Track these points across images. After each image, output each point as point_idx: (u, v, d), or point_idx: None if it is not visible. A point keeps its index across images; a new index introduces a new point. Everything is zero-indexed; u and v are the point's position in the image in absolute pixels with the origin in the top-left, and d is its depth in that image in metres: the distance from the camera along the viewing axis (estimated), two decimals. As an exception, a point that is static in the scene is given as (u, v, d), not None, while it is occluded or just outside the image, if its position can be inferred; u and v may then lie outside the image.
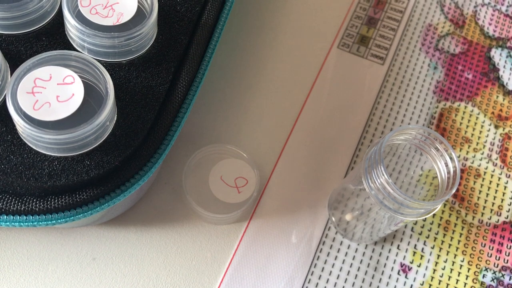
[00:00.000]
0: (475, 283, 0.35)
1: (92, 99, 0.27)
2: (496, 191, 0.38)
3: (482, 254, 0.36)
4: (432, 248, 0.36)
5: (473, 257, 0.36)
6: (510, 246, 0.36)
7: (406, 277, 0.35)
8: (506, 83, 0.43)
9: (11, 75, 0.27)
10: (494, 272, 0.35)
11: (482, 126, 0.40)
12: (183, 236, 0.34)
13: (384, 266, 0.35)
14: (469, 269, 0.35)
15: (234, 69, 0.40)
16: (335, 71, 0.41)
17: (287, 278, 0.34)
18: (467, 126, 0.40)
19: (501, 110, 0.41)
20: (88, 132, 0.25)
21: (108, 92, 0.26)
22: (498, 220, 0.37)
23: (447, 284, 0.35)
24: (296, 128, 0.39)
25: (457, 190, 0.38)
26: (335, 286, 0.34)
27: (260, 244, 0.34)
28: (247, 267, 0.34)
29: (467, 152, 0.39)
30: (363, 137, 0.39)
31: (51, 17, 0.29)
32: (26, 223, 0.26)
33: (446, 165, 0.28)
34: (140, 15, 0.29)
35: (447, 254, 0.36)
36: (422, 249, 0.36)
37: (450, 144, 0.33)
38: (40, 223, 0.27)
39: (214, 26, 0.34)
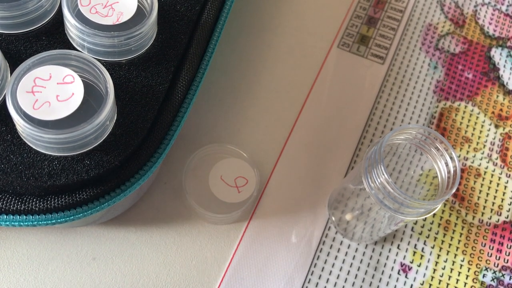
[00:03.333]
0: (475, 282, 0.35)
1: (92, 98, 0.27)
2: (496, 190, 0.38)
3: (482, 254, 0.36)
4: (432, 248, 0.36)
5: (473, 257, 0.36)
6: (510, 246, 0.36)
7: (406, 276, 0.35)
8: (506, 83, 0.43)
9: (11, 74, 0.27)
10: (494, 272, 0.35)
11: (482, 126, 0.40)
12: (183, 235, 0.34)
13: (384, 266, 0.35)
14: (469, 268, 0.35)
15: (234, 68, 0.40)
16: (335, 71, 0.41)
17: (287, 278, 0.34)
18: (467, 126, 0.40)
19: (501, 109, 0.41)
20: (88, 132, 0.25)
21: (108, 91, 0.26)
22: (498, 220, 0.37)
23: (447, 284, 0.35)
24: (296, 127, 0.39)
25: (457, 189, 0.38)
26: (335, 286, 0.34)
27: (260, 244, 0.34)
28: (247, 266, 0.34)
29: (467, 152, 0.39)
30: (363, 136, 0.39)
31: (51, 16, 0.29)
32: (26, 223, 0.26)
33: (446, 164, 0.28)
34: (140, 15, 0.29)
35: (447, 254, 0.36)
36: (422, 248, 0.36)
37: (450, 143, 0.33)
38: (40, 222, 0.27)
39: (214, 26, 0.34)
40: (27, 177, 0.26)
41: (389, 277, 0.35)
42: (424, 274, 0.35)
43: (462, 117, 0.41)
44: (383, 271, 0.35)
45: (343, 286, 0.34)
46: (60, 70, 0.26)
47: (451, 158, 0.28)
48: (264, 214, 0.35)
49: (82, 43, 0.28)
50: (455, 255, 0.36)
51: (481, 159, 0.39)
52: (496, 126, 0.41)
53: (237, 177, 0.35)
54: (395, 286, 0.34)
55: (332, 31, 0.43)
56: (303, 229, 0.35)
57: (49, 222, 0.27)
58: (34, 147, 0.26)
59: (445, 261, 0.35)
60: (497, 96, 0.42)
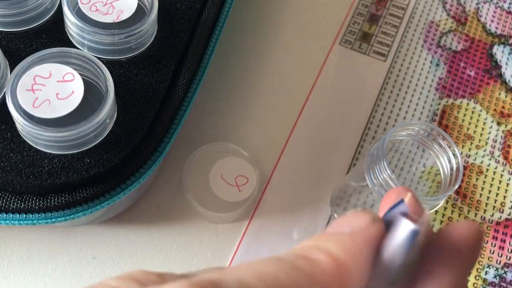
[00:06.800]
0: (478, 279, 0.35)
1: (92, 96, 0.27)
2: (499, 188, 0.38)
3: (485, 251, 0.36)
4: (435, 245, 0.35)
5: (476, 255, 0.36)
6: (513, 244, 0.36)
7: (408, 275, 0.34)
8: (509, 80, 0.42)
9: (10, 72, 0.27)
10: (497, 269, 0.35)
11: (484, 123, 0.40)
12: (184, 234, 0.34)
13: (386, 264, 0.35)
14: (472, 266, 0.35)
15: (235, 66, 0.40)
16: (337, 68, 0.41)
17: (289, 276, 0.33)
18: (469, 123, 0.40)
19: (503, 107, 0.41)
20: (88, 130, 0.25)
21: (108, 89, 0.26)
22: (501, 217, 0.37)
23: (450, 282, 0.34)
24: (298, 125, 0.38)
25: (460, 187, 0.38)
26: (337, 284, 0.34)
27: (261, 242, 0.34)
28: (248, 265, 0.34)
29: (469, 149, 0.39)
30: (365, 133, 0.39)
31: (51, 14, 0.29)
32: (26, 221, 0.26)
33: (449, 161, 0.28)
34: (140, 12, 0.29)
35: (449, 252, 0.35)
36: (425, 246, 0.35)
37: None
38: (40, 221, 0.26)
39: (215, 24, 0.34)
40: (27, 176, 0.26)
41: (391, 275, 0.34)
42: (427, 272, 0.35)
43: (464, 115, 0.40)
44: (385, 269, 0.34)
45: (345, 285, 0.34)
46: (60, 68, 0.26)
47: (454, 154, 0.28)
48: (266, 213, 0.35)
49: (82, 41, 0.28)
50: (458, 253, 0.35)
51: (483, 157, 0.39)
52: (498, 124, 0.40)
53: (237, 176, 0.35)
54: (398, 284, 0.34)
55: (334, 29, 0.43)
56: (305, 226, 0.35)
57: (49, 220, 0.26)
58: (34, 145, 0.26)
59: (448, 259, 0.35)
60: (499, 94, 0.42)
